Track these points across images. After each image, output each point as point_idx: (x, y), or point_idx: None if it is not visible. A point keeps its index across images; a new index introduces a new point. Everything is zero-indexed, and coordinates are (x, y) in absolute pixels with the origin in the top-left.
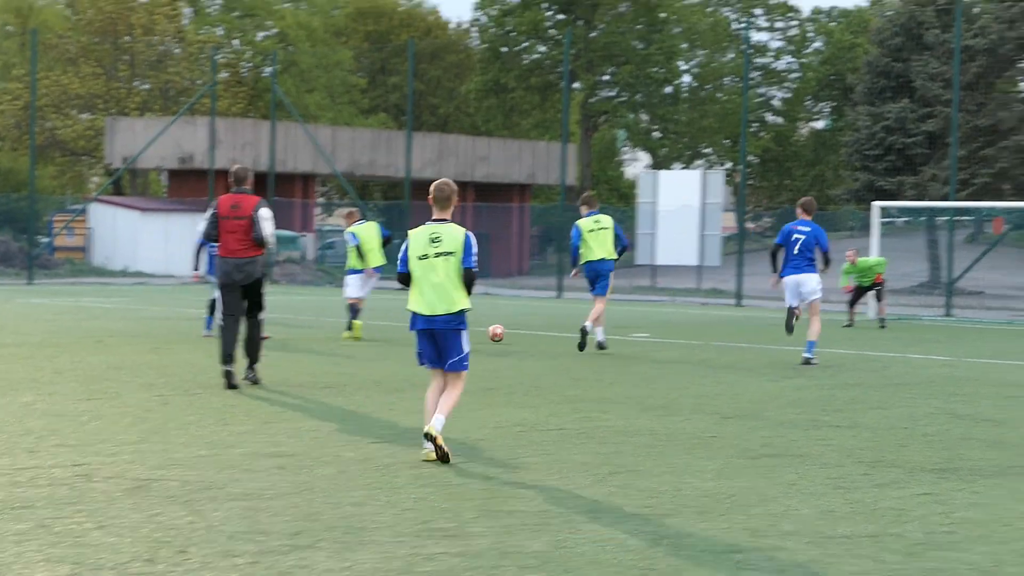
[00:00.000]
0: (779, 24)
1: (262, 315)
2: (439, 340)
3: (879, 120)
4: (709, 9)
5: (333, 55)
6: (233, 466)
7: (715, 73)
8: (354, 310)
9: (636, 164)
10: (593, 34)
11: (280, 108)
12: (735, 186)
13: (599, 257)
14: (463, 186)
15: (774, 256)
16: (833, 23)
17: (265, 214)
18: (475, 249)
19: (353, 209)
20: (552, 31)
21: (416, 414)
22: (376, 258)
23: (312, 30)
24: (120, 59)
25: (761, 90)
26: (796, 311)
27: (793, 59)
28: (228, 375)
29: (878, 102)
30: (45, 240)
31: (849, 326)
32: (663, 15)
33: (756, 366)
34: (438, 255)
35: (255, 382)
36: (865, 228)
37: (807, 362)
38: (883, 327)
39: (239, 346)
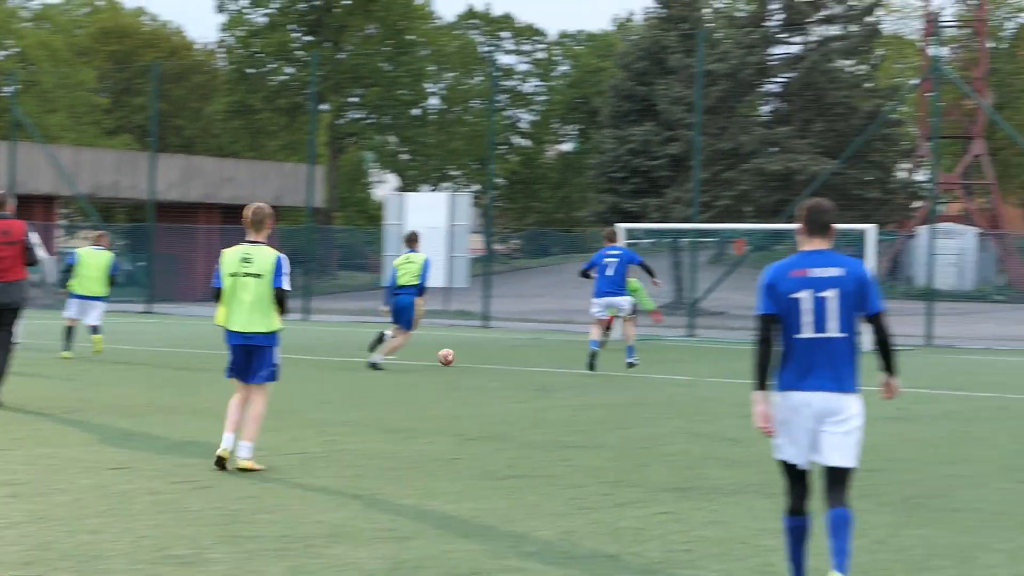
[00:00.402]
0: (526, 47)
1: (15, 340)
2: (252, 355)
3: (624, 143)
4: (457, 32)
5: (76, 75)
6: None
7: (463, 95)
8: (72, 331)
9: (384, 186)
10: (340, 56)
11: (20, 129)
12: (483, 208)
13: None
14: (209, 208)
15: (585, 275)
16: (579, 47)
17: (35, 239)
18: (286, 270)
19: (103, 233)
20: (299, 52)
21: (155, 440)
22: (84, 286)
23: (54, 50)
24: None
25: (508, 112)
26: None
27: (540, 82)
28: None
29: (623, 125)
30: None
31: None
32: (411, 37)
33: (501, 387)
34: (248, 275)
35: None
36: None
37: (631, 365)
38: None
39: None
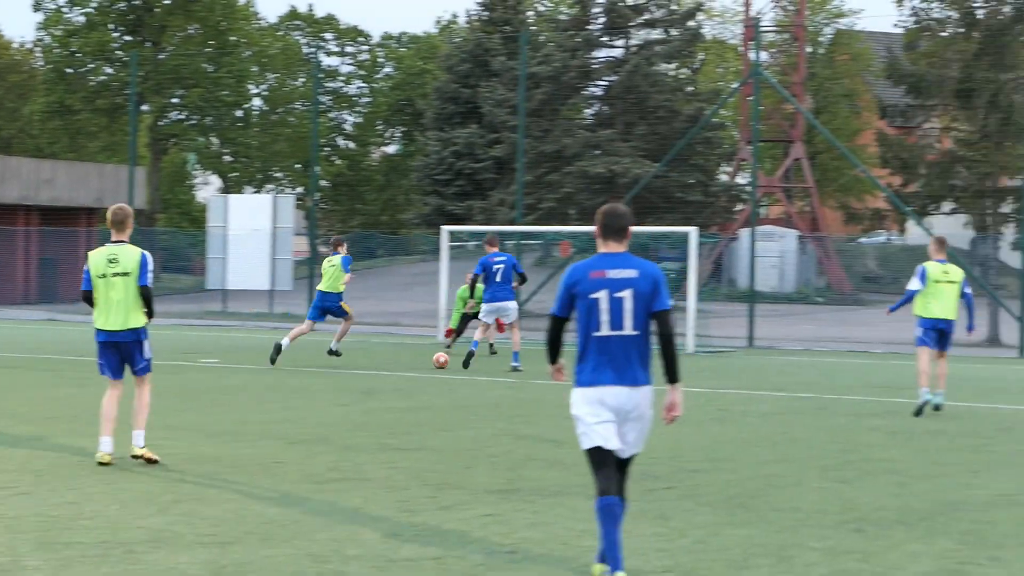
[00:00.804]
0: (350, 49)
1: None
2: (123, 352)
3: (448, 145)
4: (280, 33)
5: None
6: None
7: (286, 97)
8: None
9: (207, 188)
10: (161, 56)
11: None
12: (307, 210)
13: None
14: (27, 210)
15: (473, 284)
16: (403, 49)
17: None
18: (151, 268)
19: None
20: (119, 52)
21: None
22: None
23: None
24: None
25: (332, 114)
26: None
27: (364, 84)
28: None
29: (447, 127)
30: None
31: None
32: (233, 38)
33: (324, 390)
34: (115, 275)
35: None
36: (436, 252)
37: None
38: (494, 353)
39: None
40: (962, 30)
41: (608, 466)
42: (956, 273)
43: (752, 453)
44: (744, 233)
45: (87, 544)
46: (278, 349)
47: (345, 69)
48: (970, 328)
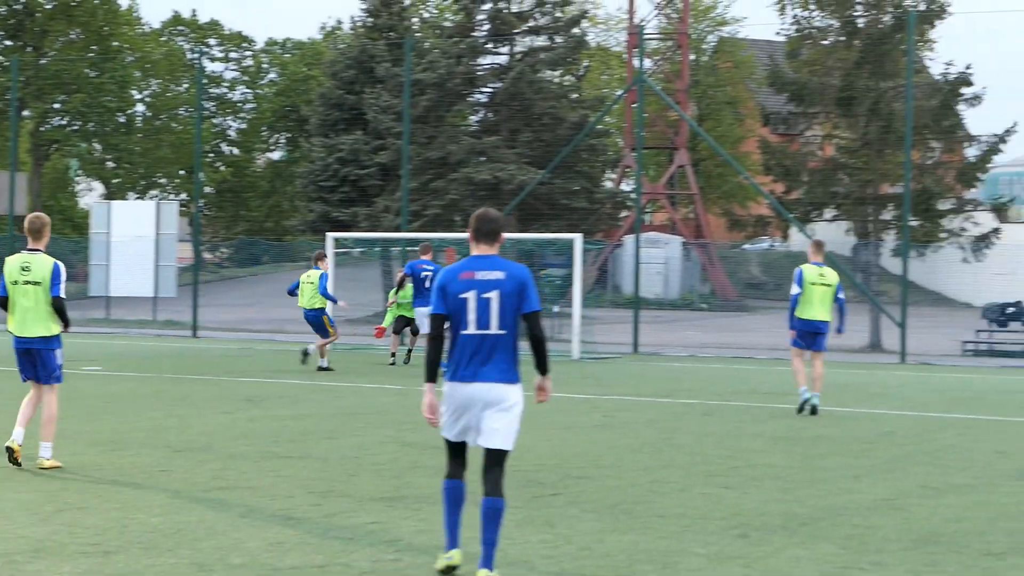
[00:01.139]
0: (234, 54)
1: None
2: (35, 358)
3: (333, 152)
4: (163, 38)
5: None
6: None
7: (170, 103)
8: None
9: (91, 194)
10: (43, 61)
11: None
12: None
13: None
14: None
15: (400, 285)
16: (287, 55)
17: None
18: (63, 278)
19: None
20: (0, 57)
21: None
22: None
23: None
24: None
25: (217, 120)
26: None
27: (248, 90)
28: None
29: (332, 134)
30: None
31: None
32: (116, 44)
33: (208, 398)
34: (27, 283)
35: None
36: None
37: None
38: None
39: None
40: (843, 38)
41: (456, 456)
42: (832, 276)
43: (637, 459)
44: (629, 239)
45: None
46: (319, 368)
47: (229, 75)
48: (840, 330)
